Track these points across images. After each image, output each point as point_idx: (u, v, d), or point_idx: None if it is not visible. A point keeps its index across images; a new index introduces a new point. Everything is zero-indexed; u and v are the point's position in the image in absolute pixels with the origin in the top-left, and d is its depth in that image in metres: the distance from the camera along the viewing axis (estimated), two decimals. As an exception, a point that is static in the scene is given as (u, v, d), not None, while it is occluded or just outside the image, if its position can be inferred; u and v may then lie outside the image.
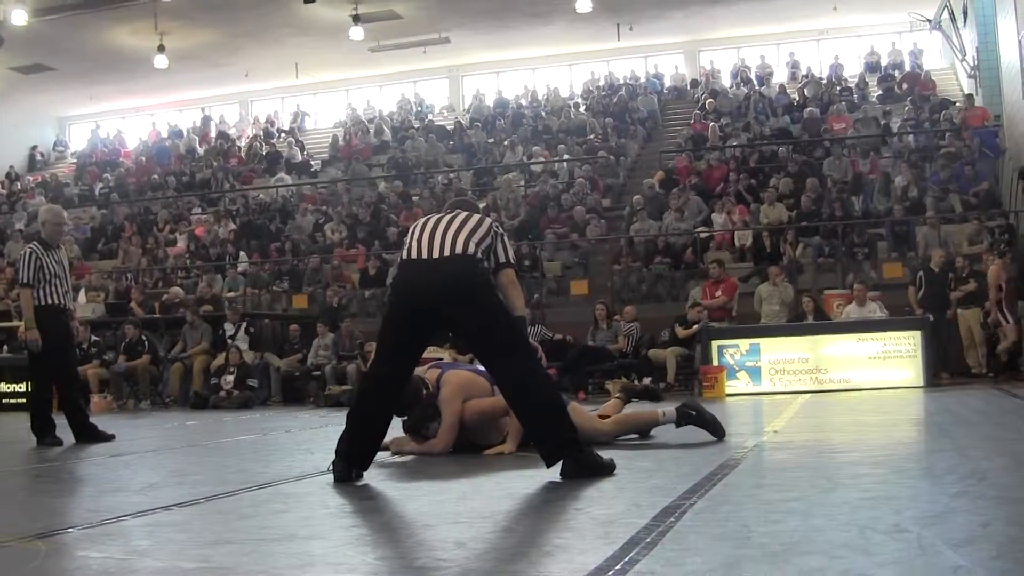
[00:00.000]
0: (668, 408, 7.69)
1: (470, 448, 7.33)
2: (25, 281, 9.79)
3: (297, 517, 4.87)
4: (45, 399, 10.07)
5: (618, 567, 3.34)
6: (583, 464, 5.67)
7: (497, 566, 3.54)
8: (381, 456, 6.75)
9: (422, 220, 6.28)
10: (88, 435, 9.89)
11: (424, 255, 5.98)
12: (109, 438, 9.92)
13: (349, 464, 6.00)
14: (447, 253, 5.94)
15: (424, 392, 7.29)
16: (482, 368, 7.63)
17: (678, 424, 7.55)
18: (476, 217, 6.24)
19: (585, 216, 21.47)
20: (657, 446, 7.17)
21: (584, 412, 7.49)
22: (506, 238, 6.31)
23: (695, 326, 16.05)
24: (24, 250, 10.15)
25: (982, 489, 4.93)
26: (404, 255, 6.12)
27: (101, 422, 10.54)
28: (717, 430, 7.50)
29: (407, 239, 6.19)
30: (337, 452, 6.06)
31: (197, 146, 33.33)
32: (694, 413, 7.54)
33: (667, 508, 4.46)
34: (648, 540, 3.77)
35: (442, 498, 5.34)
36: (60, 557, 4.03)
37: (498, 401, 7.01)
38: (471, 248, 5.96)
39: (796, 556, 3.44)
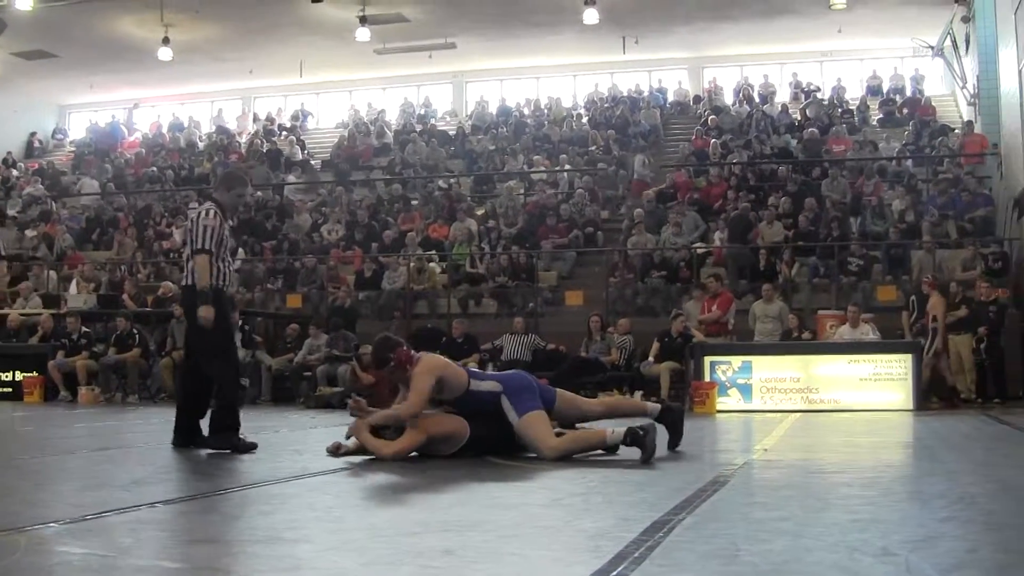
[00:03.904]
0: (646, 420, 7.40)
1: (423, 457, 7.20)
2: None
3: (284, 519, 4.85)
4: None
5: (606, 581, 3.33)
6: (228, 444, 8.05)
7: None
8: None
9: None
10: None
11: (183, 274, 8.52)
12: None
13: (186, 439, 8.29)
14: (184, 282, 8.50)
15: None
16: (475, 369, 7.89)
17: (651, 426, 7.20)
18: (199, 214, 8.34)
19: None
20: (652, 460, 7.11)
21: (571, 395, 8.01)
22: (202, 224, 8.25)
23: (679, 339, 16.04)
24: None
25: (971, 514, 4.93)
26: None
27: (88, 414, 10.50)
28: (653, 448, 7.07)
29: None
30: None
31: (196, 140, 33.27)
32: (641, 433, 7.02)
33: (656, 523, 4.45)
34: (636, 555, 3.75)
35: (432, 505, 5.32)
36: (40, 552, 3.98)
37: (460, 426, 7.21)
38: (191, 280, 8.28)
39: (784, 577, 3.42)
